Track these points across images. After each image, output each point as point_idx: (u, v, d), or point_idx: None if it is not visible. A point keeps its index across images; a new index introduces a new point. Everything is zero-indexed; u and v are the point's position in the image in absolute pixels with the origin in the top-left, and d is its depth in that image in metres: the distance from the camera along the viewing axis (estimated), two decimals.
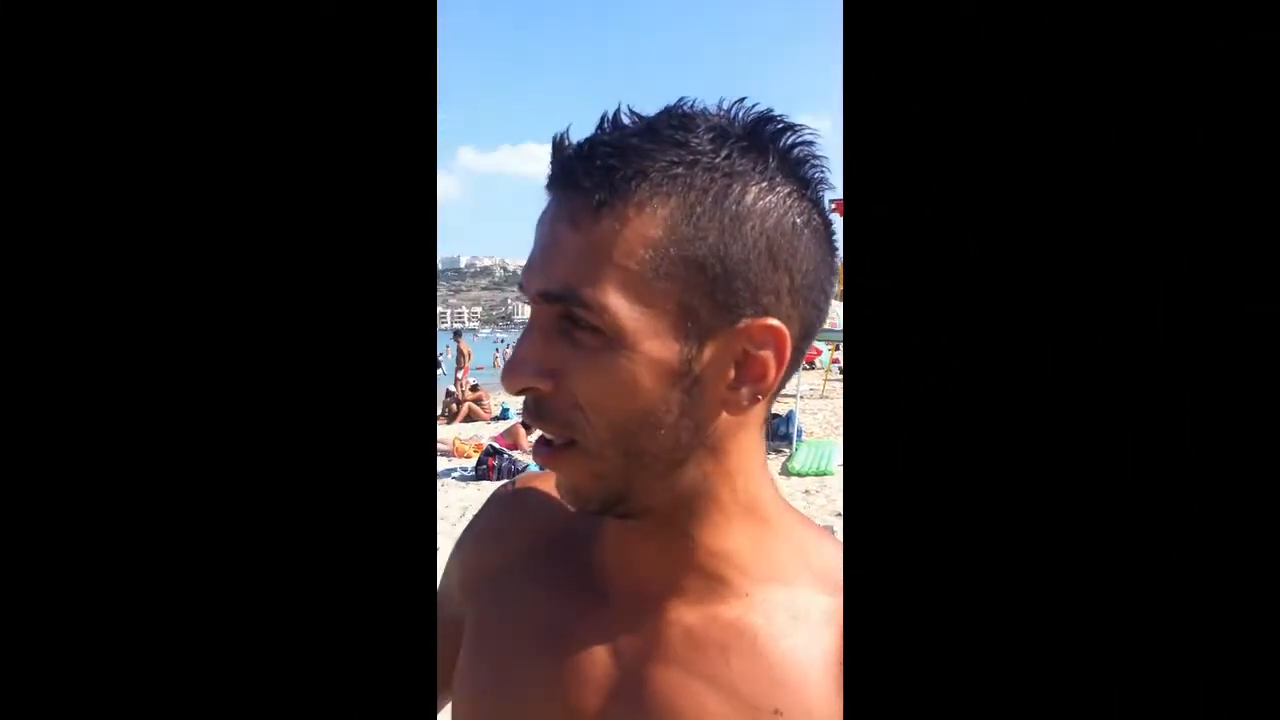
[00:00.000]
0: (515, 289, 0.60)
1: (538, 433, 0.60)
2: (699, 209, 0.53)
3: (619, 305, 0.53)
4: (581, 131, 0.57)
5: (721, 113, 0.56)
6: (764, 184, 0.54)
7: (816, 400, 11.95)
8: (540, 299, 0.55)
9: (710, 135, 0.54)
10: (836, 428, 9.98)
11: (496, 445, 8.67)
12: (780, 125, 0.56)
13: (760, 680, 0.57)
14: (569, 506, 0.62)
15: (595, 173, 0.54)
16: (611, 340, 0.54)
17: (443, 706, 0.72)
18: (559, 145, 0.57)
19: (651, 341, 0.54)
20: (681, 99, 0.56)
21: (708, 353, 0.55)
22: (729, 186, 0.54)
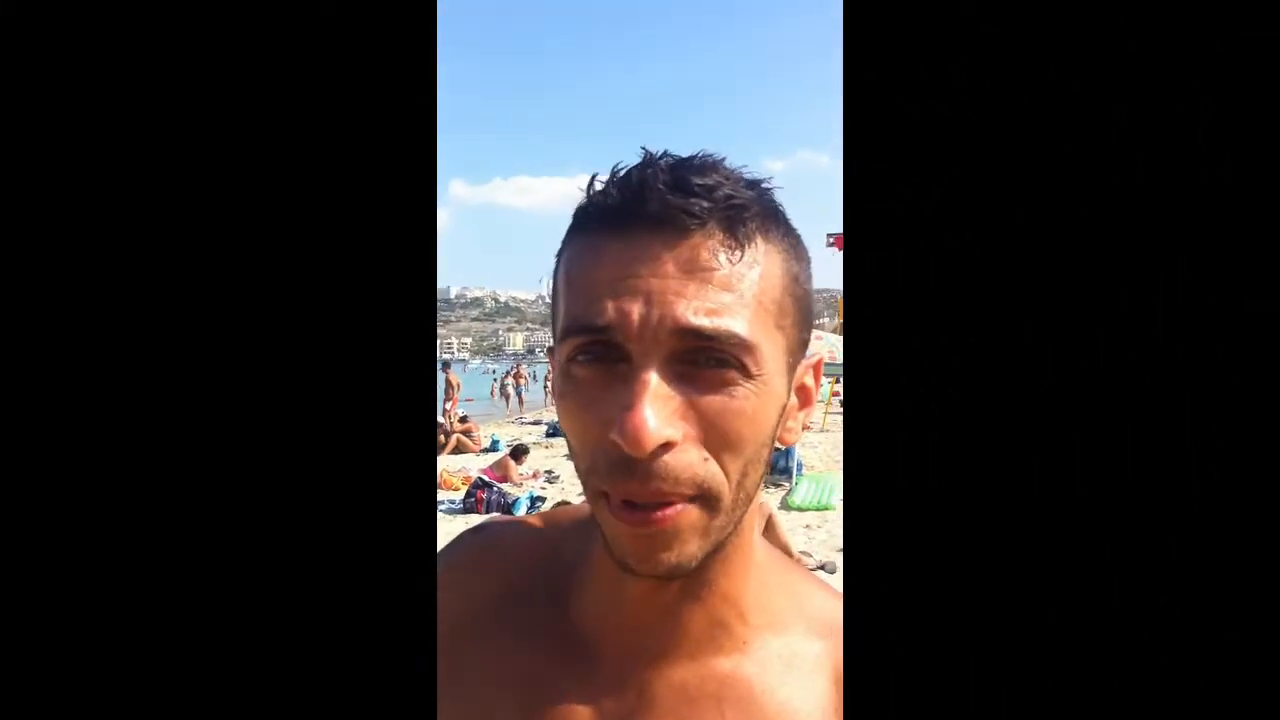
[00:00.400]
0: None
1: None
2: (789, 253, 0.56)
3: (761, 341, 0.52)
4: (593, 167, 0.55)
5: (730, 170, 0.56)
6: (795, 238, 0.57)
7: (816, 434, 11.86)
8: (678, 336, 0.50)
9: (749, 189, 0.54)
10: (837, 461, 9.91)
11: (485, 478, 8.57)
12: (771, 189, 0.57)
13: None
14: (660, 576, 0.54)
15: (717, 212, 0.52)
16: (747, 377, 0.52)
17: None
18: (626, 179, 0.53)
19: (776, 378, 0.54)
20: (703, 150, 0.56)
21: (792, 386, 0.57)
22: (786, 235, 0.56)
